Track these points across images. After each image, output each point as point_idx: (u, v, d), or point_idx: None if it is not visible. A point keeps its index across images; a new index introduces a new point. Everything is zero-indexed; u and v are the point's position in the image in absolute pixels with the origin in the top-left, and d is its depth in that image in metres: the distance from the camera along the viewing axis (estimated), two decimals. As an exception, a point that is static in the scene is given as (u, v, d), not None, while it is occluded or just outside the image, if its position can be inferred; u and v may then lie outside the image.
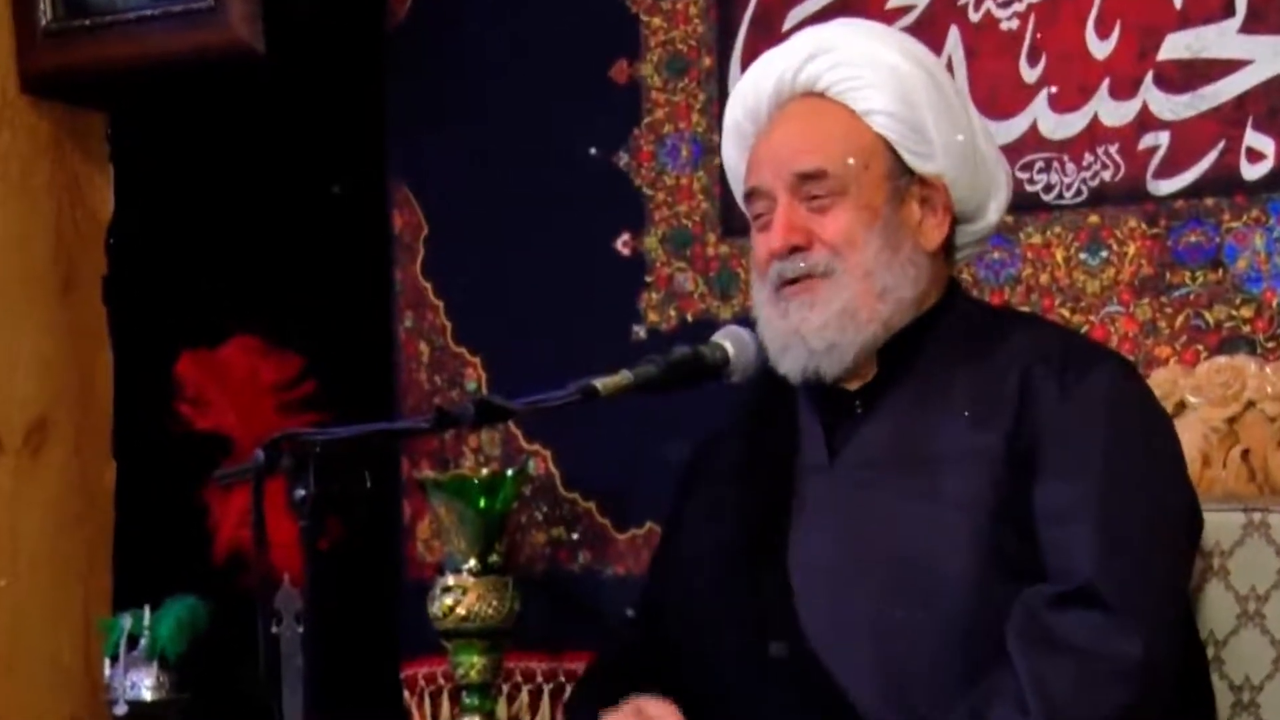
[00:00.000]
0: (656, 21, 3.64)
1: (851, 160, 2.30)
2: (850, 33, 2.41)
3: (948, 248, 2.38)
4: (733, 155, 2.47)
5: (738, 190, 2.45)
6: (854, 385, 2.34)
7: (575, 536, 3.69)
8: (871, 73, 2.32)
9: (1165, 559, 2.22)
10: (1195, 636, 2.40)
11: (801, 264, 2.29)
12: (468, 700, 3.52)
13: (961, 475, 2.23)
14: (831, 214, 2.29)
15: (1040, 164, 3.26)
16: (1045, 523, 2.20)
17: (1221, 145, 3.11)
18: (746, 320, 2.44)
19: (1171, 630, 2.20)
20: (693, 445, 2.53)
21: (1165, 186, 3.16)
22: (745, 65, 3.34)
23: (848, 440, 2.33)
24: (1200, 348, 3.11)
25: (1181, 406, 2.86)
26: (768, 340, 2.34)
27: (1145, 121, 3.17)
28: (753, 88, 2.41)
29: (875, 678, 2.22)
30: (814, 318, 2.28)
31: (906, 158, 2.32)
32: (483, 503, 3.49)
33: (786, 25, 3.43)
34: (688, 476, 2.50)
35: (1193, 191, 3.14)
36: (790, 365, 2.31)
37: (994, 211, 2.42)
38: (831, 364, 2.30)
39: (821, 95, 2.34)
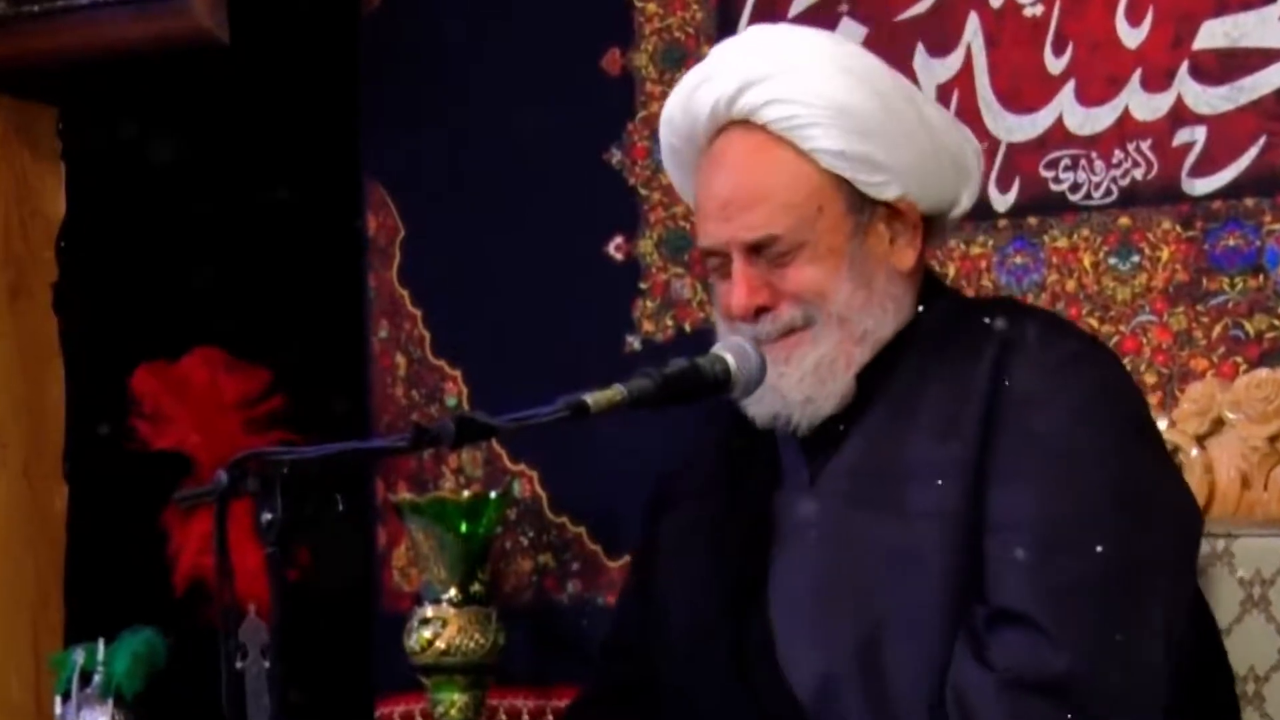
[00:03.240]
0: (651, 8, 3.64)
1: (803, 211, 2.29)
2: (785, 54, 2.33)
3: (926, 235, 2.38)
4: (676, 175, 2.47)
5: (691, 203, 2.44)
6: None
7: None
8: (810, 110, 2.28)
9: (1116, 565, 2.18)
10: (1225, 670, 2.39)
11: (771, 325, 2.30)
12: (448, 741, 3.53)
13: (934, 489, 2.24)
14: (794, 267, 2.29)
15: (1066, 161, 3.26)
16: (990, 529, 2.21)
17: (1262, 141, 3.11)
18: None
19: (1118, 648, 2.16)
20: (661, 469, 2.55)
21: (1201, 186, 3.17)
22: (748, 55, 3.34)
23: (826, 462, 2.34)
24: (1239, 360, 3.11)
25: (1219, 423, 2.86)
26: None
27: (1180, 115, 3.17)
28: (683, 115, 2.37)
29: (863, 707, 2.23)
30: (791, 373, 2.30)
31: (863, 189, 2.31)
32: (464, 527, 3.49)
33: (792, 12, 3.43)
34: (659, 499, 2.52)
35: (1231, 191, 3.14)
36: (759, 411, 2.33)
37: (968, 197, 2.40)
38: (805, 417, 2.31)
39: (763, 129, 2.32)
